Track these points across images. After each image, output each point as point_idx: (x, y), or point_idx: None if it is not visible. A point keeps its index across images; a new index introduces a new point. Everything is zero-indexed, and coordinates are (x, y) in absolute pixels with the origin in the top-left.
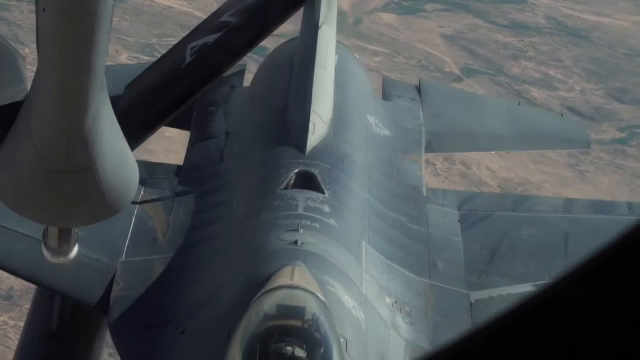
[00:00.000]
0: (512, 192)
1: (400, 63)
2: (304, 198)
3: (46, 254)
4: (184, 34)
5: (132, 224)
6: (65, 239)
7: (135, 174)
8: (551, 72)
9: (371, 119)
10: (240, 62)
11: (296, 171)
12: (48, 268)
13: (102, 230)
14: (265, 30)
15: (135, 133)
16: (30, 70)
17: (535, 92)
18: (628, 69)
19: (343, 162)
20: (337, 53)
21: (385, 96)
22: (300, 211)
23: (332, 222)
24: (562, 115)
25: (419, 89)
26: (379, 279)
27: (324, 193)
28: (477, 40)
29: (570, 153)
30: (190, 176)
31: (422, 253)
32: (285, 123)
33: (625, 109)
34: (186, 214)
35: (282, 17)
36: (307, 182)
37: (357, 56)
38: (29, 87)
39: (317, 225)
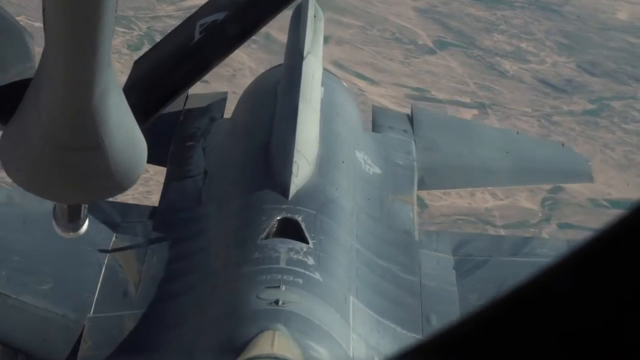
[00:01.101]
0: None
1: (374, 36)
2: (286, 249)
3: (57, 229)
4: (160, 6)
5: (102, 274)
6: (74, 214)
7: (143, 151)
8: (523, 45)
9: (360, 156)
10: (222, 91)
11: (278, 218)
12: (9, 323)
13: (69, 282)
14: (275, 7)
15: (144, 110)
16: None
17: (507, 64)
18: (599, 42)
19: (329, 206)
20: (323, 83)
21: (375, 127)
22: (282, 264)
23: (317, 276)
24: (562, 145)
25: (410, 118)
26: (367, 338)
27: (307, 243)
28: (449, 13)
29: (541, 123)
30: (165, 220)
31: (415, 306)
32: (267, 163)
33: (596, 81)
34: (160, 264)
35: None
36: (290, 230)
37: (345, 84)
38: (37, 64)
39: (300, 281)
